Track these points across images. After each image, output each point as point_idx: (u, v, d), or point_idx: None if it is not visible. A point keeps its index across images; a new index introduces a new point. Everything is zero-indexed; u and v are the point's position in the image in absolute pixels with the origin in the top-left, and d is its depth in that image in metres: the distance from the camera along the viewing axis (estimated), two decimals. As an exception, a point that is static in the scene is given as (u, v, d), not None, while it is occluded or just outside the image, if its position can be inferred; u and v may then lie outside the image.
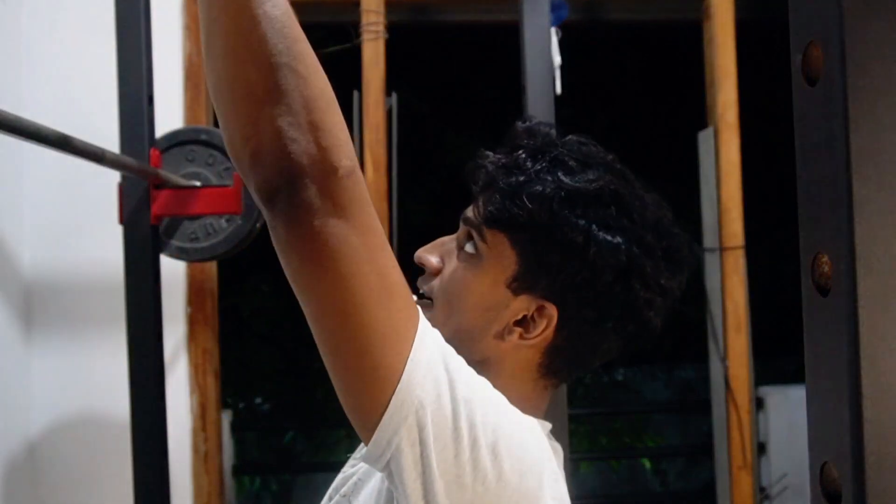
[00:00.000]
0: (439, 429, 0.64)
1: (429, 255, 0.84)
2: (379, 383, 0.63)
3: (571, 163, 0.77)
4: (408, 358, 0.63)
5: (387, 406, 0.63)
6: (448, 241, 0.84)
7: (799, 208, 0.34)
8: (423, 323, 0.66)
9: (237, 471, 3.15)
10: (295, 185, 0.59)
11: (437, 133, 4.51)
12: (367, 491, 0.83)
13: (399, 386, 0.63)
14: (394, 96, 2.13)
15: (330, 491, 0.90)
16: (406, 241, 2.38)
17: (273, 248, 0.64)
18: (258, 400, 4.46)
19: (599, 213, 0.75)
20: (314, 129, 0.59)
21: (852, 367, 0.30)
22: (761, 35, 2.81)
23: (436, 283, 0.82)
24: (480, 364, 0.77)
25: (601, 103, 4.64)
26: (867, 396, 0.30)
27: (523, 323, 0.78)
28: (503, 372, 0.79)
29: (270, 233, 0.63)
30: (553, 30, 1.52)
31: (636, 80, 4.75)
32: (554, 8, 1.52)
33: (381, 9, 2.09)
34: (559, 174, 0.76)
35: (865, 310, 0.30)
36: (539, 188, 0.75)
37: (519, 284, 0.77)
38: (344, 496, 0.86)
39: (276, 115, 0.58)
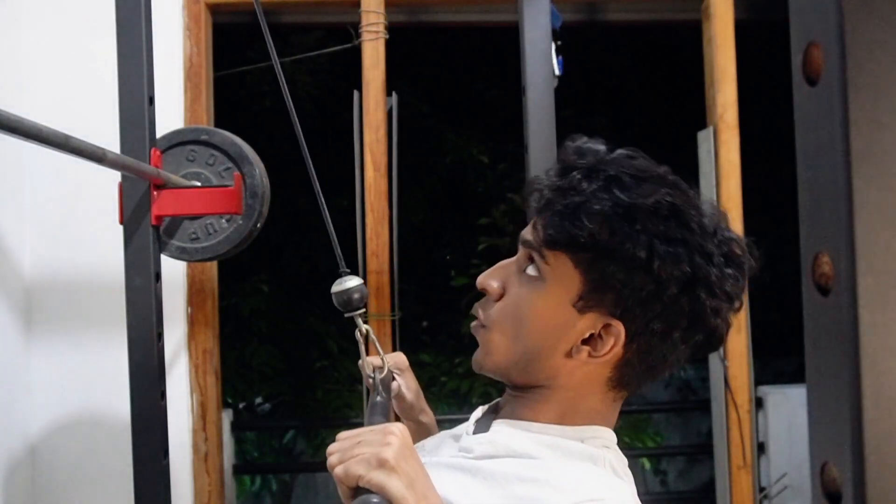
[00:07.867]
0: None
1: (490, 280, 0.85)
2: None
3: (626, 179, 0.77)
4: None
5: None
6: (508, 265, 0.85)
7: (799, 208, 0.34)
8: None
9: (237, 471, 3.14)
10: None
11: (437, 133, 4.51)
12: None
13: None
14: (394, 96, 2.13)
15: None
16: (406, 241, 2.38)
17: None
18: (258, 400, 4.45)
19: (659, 226, 0.75)
20: None
21: (852, 367, 0.30)
22: (761, 35, 2.81)
23: (497, 307, 0.84)
24: (549, 381, 0.79)
25: (601, 103, 4.63)
26: (867, 396, 0.30)
27: (590, 341, 0.79)
28: (572, 386, 0.80)
29: None
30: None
31: (636, 80, 4.74)
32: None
33: (381, 9, 2.09)
34: (615, 191, 0.76)
35: (866, 310, 0.30)
36: (597, 207, 0.76)
37: (584, 303, 0.78)
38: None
39: None
